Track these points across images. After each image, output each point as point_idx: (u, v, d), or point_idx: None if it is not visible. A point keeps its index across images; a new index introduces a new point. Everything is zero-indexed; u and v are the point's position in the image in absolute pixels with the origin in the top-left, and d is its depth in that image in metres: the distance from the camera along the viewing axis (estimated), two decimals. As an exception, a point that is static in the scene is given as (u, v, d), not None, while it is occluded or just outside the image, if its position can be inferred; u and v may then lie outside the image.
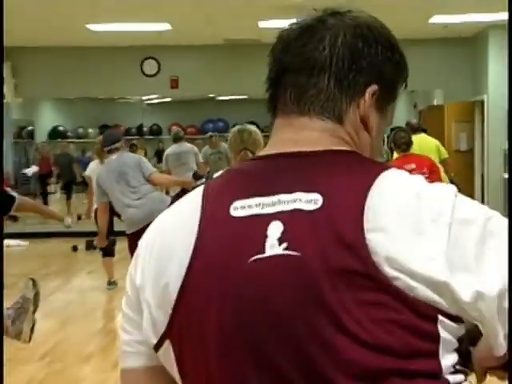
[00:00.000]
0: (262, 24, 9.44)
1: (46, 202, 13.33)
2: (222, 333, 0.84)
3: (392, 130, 14.57)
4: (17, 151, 15.35)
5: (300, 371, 0.80)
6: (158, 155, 14.55)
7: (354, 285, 0.79)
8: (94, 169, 8.14)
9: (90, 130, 16.80)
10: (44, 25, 9.32)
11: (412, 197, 0.82)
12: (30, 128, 16.55)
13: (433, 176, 6.18)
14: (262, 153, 0.95)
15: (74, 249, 10.11)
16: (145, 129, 16.96)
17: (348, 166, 0.90)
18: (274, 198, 0.85)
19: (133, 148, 11.53)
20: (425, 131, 8.93)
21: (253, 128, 4.31)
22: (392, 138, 7.08)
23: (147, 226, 1.01)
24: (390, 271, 0.77)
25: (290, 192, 0.85)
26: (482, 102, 10.69)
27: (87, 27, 9.48)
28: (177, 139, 9.78)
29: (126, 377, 0.98)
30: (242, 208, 0.86)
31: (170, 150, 9.74)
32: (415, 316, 0.77)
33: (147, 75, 11.35)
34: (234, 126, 15.44)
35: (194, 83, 11.38)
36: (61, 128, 17.21)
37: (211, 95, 14.52)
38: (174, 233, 0.90)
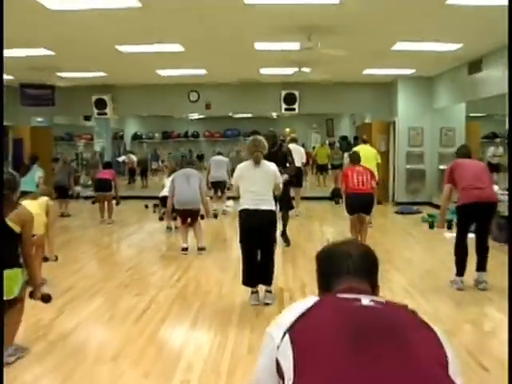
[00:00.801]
0: (262, 71, 12.55)
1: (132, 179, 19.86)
2: (344, 339, 1.45)
3: (342, 138, 22.77)
4: (113, 147, 20.76)
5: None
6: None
7: None
8: None
9: (156, 135, 24.42)
10: (129, 71, 12.39)
11: None
12: (121, 133, 23.12)
13: (372, 178, 8.16)
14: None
15: (146, 206, 13.58)
16: (189, 134, 24.38)
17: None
18: (360, 295, 1.61)
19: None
20: (366, 142, 11.56)
21: (260, 137, 5.96)
22: (349, 156, 9.38)
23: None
24: None
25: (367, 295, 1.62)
26: (394, 122, 14.17)
27: (157, 72, 12.53)
28: (219, 153, 13.23)
29: None
30: (342, 294, 1.62)
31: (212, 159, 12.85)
32: None
33: (191, 101, 15.31)
34: (244, 133, 21.58)
35: (220, 106, 15.48)
36: (138, 133, 24.48)
37: (230, 114, 20.03)
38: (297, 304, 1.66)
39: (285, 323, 1.51)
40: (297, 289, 6.29)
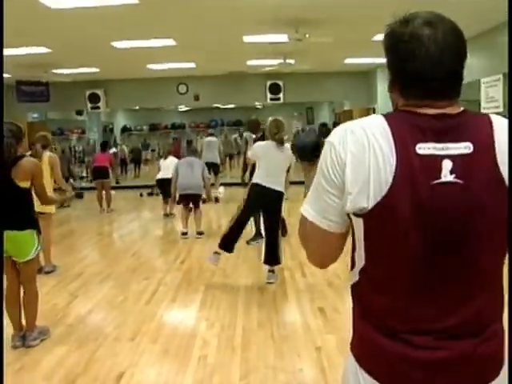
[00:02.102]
0: (249, 62, 12.48)
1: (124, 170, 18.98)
2: (417, 224, 1.18)
3: (322, 124, 20.63)
4: (104, 139, 20.18)
5: (465, 247, 1.20)
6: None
7: (500, 196, 1.19)
8: None
9: (144, 127, 24.50)
10: (122, 66, 12.14)
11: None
12: (110, 126, 22.97)
13: None
14: (426, 111, 1.22)
15: (141, 195, 13.65)
16: (176, 125, 24.58)
17: (474, 118, 1.25)
18: (444, 145, 1.18)
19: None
20: None
21: (281, 118, 5.82)
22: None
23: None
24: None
25: (456, 141, 1.19)
26: (374, 108, 14.14)
27: (147, 67, 12.42)
28: (211, 134, 13.49)
29: (319, 232, 1.34)
30: (423, 149, 1.18)
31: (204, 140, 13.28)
32: None
33: (180, 93, 15.16)
34: (228, 122, 25.31)
35: (207, 97, 15.44)
36: (127, 126, 24.57)
37: (215, 105, 20.12)
38: (374, 144, 1.20)
39: (364, 191, 1.19)
40: (296, 267, 6.34)
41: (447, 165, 1.17)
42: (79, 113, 19.31)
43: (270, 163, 5.58)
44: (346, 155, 1.22)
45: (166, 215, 10.15)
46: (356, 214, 1.23)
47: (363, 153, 1.19)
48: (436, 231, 1.18)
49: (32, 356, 3.96)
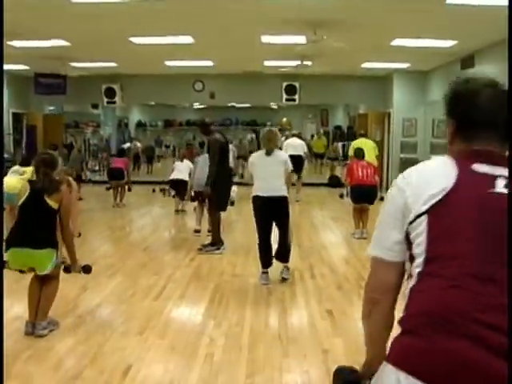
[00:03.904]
0: (266, 63, 12.55)
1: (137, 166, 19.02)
2: (476, 223, 1.37)
3: (336, 127, 22.60)
4: (118, 134, 21.26)
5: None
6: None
7: None
8: None
9: (159, 123, 24.60)
10: (139, 61, 12.16)
11: None
12: (125, 121, 23.24)
13: (375, 172, 8.32)
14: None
15: (153, 191, 13.38)
16: (190, 122, 23.79)
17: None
18: (496, 168, 1.43)
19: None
20: (365, 135, 12.01)
21: (274, 130, 6.20)
22: (353, 152, 9.06)
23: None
24: None
25: (502, 166, 1.43)
26: (390, 113, 14.29)
27: (165, 63, 12.43)
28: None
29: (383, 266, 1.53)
30: (479, 168, 1.44)
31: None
32: None
33: (196, 91, 15.21)
34: (243, 121, 26.10)
35: (223, 96, 15.50)
36: (142, 121, 24.65)
37: (231, 103, 20.29)
38: (433, 172, 1.49)
39: (423, 198, 1.42)
40: (305, 269, 6.36)
41: (501, 182, 1.42)
42: (95, 106, 19.41)
43: (263, 171, 5.73)
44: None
45: (177, 211, 10.20)
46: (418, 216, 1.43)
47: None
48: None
49: (40, 346, 4.00)
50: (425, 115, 13.69)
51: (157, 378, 3.61)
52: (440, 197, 1.39)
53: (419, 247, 1.41)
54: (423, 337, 1.31)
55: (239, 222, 8.59)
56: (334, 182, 14.52)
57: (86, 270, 4.58)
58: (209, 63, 12.57)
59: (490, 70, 10.10)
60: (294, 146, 11.93)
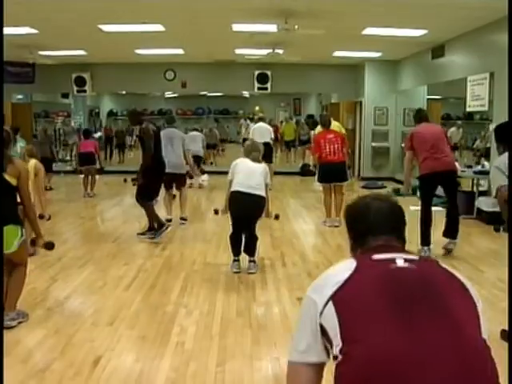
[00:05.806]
0: (237, 51, 12.39)
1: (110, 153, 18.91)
2: (383, 294, 1.48)
3: (308, 116, 22.30)
4: (89, 123, 20.56)
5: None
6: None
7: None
8: None
9: None
10: (109, 50, 12.12)
11: None
12: (96, 110, 22.83)
13: (343, 145, 8.04)
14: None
15: (124, 180, 12.64)
16: (162, 111, 23.95)
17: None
18: (395, 254, 1.60)
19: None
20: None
21: (257, 142, 6.31)
22: (319, 118, 9.24)
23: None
24: None
25: (401, 253, 1.62)
26: (361, 102, 14.37)
27: (135, 51, 12.29)
28: (194, 129, 13.24)
29: (297, 371, 1.67)
30: (378, 256, 1.61)
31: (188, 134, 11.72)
32: None
33: (168, 80, 15.04)
34: (215, 110, 26.21)
35: (195, 85, 15.31)
36: (114, 110, 24.33)
37: (204, 92, 19.88)
38: (335, 269, 1.65)
39: (326, 291, 1.51)
40: (277, 257, 6.39)
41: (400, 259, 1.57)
42: (65, 96, 19.11)
43: (246, 168, 5.69)
44: None
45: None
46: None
47: None
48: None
49: (9, 339, 3.93)
50: (396, 104, 13.84)
51: (127, 368, 3.59)
52: (342, 282, 1.51)
53: (332, 331, 1.47)
54: None
55: (211, 211, 8.56)
56: (306, 171, 14.63)
57: (48, 246, 4.55)
58: (179, 51, 12.43)
59: (458, 59, 10.24)
60: (261, 132, 11.71)
